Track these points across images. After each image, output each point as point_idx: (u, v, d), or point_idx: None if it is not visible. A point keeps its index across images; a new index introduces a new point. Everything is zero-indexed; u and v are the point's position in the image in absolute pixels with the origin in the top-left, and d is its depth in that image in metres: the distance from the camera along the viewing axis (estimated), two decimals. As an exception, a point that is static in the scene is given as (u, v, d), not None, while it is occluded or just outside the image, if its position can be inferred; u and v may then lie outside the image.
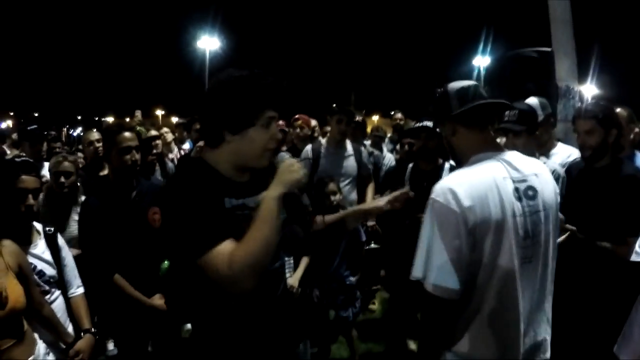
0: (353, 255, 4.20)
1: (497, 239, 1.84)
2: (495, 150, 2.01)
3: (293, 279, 3.77)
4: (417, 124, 4.13)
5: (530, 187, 1.94)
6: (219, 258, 1.68)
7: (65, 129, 18.25)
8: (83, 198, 3.83)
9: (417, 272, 1.87)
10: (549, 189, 2.01)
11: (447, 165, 4.07)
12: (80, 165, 5.06)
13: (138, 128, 5.36)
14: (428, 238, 1.85)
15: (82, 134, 14.49)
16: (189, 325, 4.79)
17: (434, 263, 1.82)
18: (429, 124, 4.11)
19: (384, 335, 4.86)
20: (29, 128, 5.20)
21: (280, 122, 6.12)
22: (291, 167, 1.88)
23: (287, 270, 3.74)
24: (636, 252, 2.69)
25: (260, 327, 1.98)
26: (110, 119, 38.14)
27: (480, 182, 1.88)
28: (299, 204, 2.36)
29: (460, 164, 2.07)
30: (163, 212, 1.89)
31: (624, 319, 2.78)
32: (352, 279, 4.18)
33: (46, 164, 4.45)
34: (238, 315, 1.92)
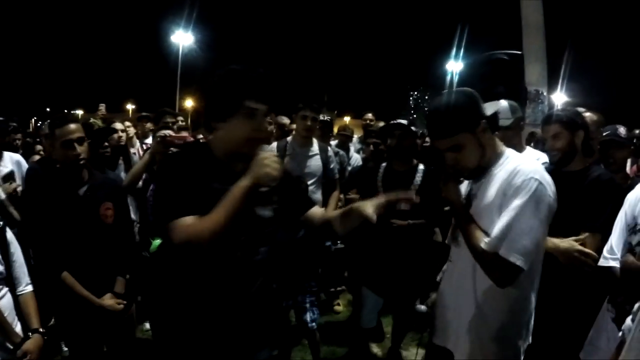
0: (313, 257, 4.08)
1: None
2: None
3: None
4: (392, 122, 4.07)
5: None
6: (180, 226, 1.87)
7: (33, 121, 17.89)
8: None
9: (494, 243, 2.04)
10: None
11: (421, 167, 4.03)
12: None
13: (91, 120, 5.23)
14: (517, 214, 2.00)
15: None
16: (147, 325, 4.69)
17: (519, 238, 2.00)
18: (404, 121, 4.06)
19: (347, 338, 4.79)
20: None
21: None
22: (263, 161, 1.89)
23: None
24: (604, 257, 2.72)
25: (229, 318, 2.07)
26: (79, 112, 37.49)
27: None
28: (296, 199, 2.34)
29: (488, 163, 2.22)
30: (156, 182, 2.09)
31: (590, 324, 2.79)
32: (313, 282, 4.06)
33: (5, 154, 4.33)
34: (209, 301, 2.04)
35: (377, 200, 2.08)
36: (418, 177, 3.97)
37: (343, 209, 2.28)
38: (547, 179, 2.10)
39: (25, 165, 4.42)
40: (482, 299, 2.21)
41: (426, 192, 3.51)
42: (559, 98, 23.11)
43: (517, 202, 2.02)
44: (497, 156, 2.23)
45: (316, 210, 2.34)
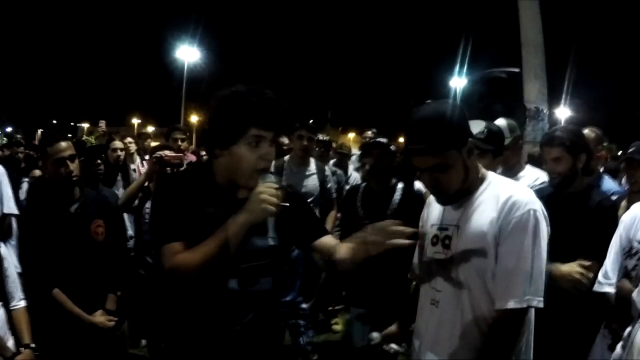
0: (308, 280, 4.06)
1: None
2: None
3: None
4: (370, 141, 4.02)
5: None
6: (166, 253, 1.84)
7: (39, 133, 17.98)
8: None
9: (524, 297, 1.87)
10: None
11: (400, 186, 3.92)
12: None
13: (84, 137, 5.25)
14: (532, 257, 1.88)
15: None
16: (143, 342, 4.67)
17: (539, 279, 1.88)
18: (383, 140, 4.02)
19: (344, 357, 4.72)
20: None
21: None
22: (260, 196, 1.79)
23: None
24: (599, 282, 2.65)
25: (218, 348, 1.97)
26: (85, 125, 37.71)
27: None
28: (305, 225, 2.17)
29: (469, 187, 2.01)
30: (152, 202, 2.09)
31: (587, 350, 2.72)
32: (305, 305, 4.05)
33: None
34: (197, 328, 1.96)
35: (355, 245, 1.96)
36: (397, 197, 3.88)
37: (351, 245, 2.02)
38: (541, 207, 1.97)
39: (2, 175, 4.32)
40: (476, 330, 1.95)
41: (404, 211, 3.48)
42: (563, 113, 23.14)
43: (526, 243, 1.87)
44: (479, 180, 2.03)
45: (328, 241, 2.14)
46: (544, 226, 1.92)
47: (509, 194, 1.93)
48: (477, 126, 3.21)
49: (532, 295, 1.84)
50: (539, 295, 1.86)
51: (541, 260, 1.89)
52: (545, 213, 1.97)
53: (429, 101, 2.03)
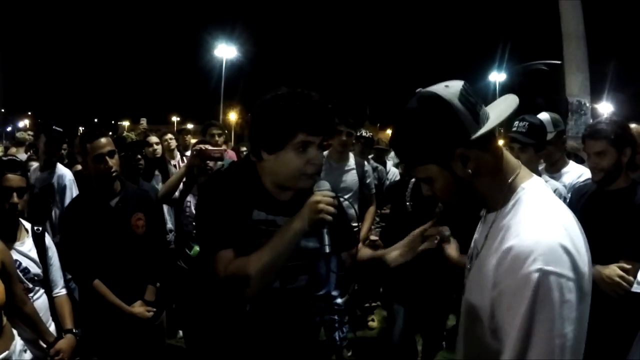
0: (343, 275, 4.06)
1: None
2: (528, 173, 1.43)
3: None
4: None
5: None
6: (219, 261, 1.84)
7: (81, 130, 18.49)
8: None
9: None
10: None
11: None
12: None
13: (125, 134, 5.35)
14: (525, 336, 1.17)
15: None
16: (181, 333, 4.76)
17: None
18: None
19: (379, 354, 4.72)
20: (46, 124, 5.05)
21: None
22: (319, 205, 1.80)
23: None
24: (638, 282, 2.56)
25: (259, 343, 2.00)
26: (125, 123, 38.57)
27: (576, 231, 1.30)
28: (346, 234, 2.20)
29: (485, 204, 1.48)
30: (197, 203, 2.12)
31: (626, 351, 2.64)
32: (340, 300, 4.06)
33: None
34: (239, 322, 1.99)
35: (404, 245, 2.06)
36: None
37: (371, 254, 2.19)
38: (560, 257, 1.19)
39: (69, 177, 4.53)
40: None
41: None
42: (605, 108, 22.52)
43: (515, 324, 1.19)
44: (508, 191, 1.39)
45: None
46: (563, 294, 1.17)
47: (512, 240, 1.26)
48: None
49: None
50: None
51: (551, 352, 1.16)
52: (576, 255, 1.22)
53: (418, 90, 1.44)
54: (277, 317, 2.04)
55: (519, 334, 1.18)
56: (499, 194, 1.39)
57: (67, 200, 4.21)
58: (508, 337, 1.21)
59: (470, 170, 1.35)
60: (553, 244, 1.20)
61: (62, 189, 4.42)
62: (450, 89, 1.35)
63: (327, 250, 1.90)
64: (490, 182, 1.39)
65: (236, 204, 1.89)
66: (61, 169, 4.57)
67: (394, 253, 2.05)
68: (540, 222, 1.26)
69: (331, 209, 1.81)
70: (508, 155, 1.44)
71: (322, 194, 1.84)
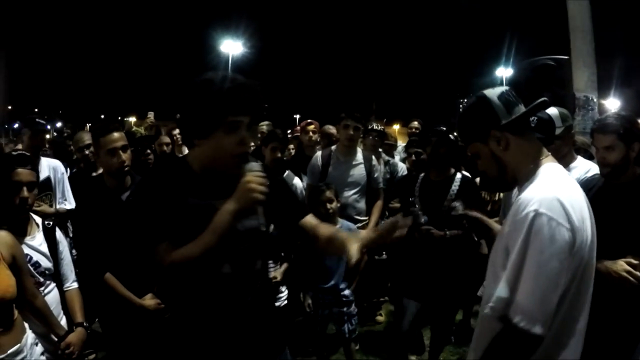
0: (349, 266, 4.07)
1: (587, 272, 1.73)
2: (552, 159, 1.86)
3: (277, 272, 3.92)
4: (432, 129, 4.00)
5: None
6: (162, 253, 1.89)
7: (87, 127, 18.55)
8: None
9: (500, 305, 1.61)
10: None
11: (458, 176, 3.93)
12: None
13: (134, 128, 5.37)
14: (519, 262, 1.60)
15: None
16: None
17: (530, 300, 1.57)
18: (444, 127, 3.98)
19: (386, 348, 4.74)
20: (30, 118, 4.92)
21: (312, 125, 5.95)
22: (248, 185, 1.90)
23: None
24: None
25: (224, 330, 2.03)
26: (132, 119, 38.67)
27: (578, 201, 1.71)
28: (288, 205, 2.25)
29: (516, 181, 1.87)
30: (131, 202, 2.12)
31: (634, 346, 2.65)
32: (348, 292, 4.06)
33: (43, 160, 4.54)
34: (203, 312, 2.02)
35: (367, 236, 2.07)
36: (455, 187, 3.87)
37: (330, 234, 2.15)
38: (554, 205, 1.61)
39: (62, 170, 4.57)
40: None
41: (464, 202, 3.45)
42: (612, 104, 22.40)
43: (517, 250, 1.62)
44: (531, 171, 1.82)
45: (310, 220, 2.21)
46: (545, 229, 1.58)
47: (523, 193, 1.73)
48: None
49: (518, 316, 1.57)
50: (530, 318, 1.56)
51: (535, 279, 1.57)
52: (570, 214, 1.62)
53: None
54: (236, 303, 2.06)
55: (515, 260, 1.61)
56: (526, 170, 1.82)
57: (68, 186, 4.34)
58: (509, 262, 1.63)
59: (501, 148, 1.82)
60: (550, 195, 1.64)
61: (61, 179, 4.52)
62: (495, 90, 1.86)
63: (263, 228, 2.04)
64: (520, 160, 1.83)
65: (169, 195, 1.92)
66: (48, 161, 4.59)
67: (355, 247, 1.97)
68: (546, 183, 1.72)
69: (261, 187, 1.89)
70: (538, 143, 1.88)
71: (252, 173, 1.93)
